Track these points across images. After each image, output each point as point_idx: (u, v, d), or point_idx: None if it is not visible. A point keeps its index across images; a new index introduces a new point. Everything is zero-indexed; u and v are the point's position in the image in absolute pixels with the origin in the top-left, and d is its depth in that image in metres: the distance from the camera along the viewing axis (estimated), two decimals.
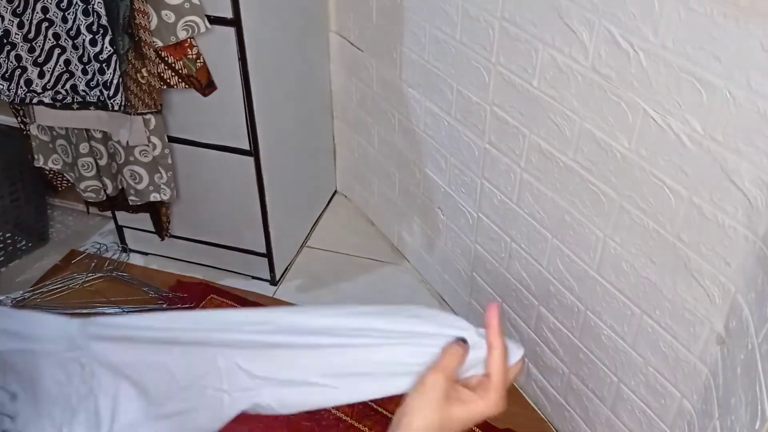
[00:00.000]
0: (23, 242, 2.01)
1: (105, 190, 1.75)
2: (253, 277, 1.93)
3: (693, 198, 0.96)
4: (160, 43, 1.44)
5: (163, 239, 1.84)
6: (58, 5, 1.39)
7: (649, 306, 1.12)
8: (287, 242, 1.96)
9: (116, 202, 1.79)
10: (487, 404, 0.67)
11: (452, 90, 1.46)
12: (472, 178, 1.51)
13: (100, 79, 1.43)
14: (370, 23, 1.70)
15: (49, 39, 1.43)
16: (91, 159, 1.69)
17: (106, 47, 1.39)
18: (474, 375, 0.68)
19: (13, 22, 1.41)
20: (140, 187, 1.67)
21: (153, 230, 1.85)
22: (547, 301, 1.39)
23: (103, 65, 1.41)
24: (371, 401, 1.57)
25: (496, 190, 1.43)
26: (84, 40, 1.39)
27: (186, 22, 1.41)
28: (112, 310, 1.80)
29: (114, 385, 0.75)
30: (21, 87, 1.49)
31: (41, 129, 1.68)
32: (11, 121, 1.81)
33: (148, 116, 1.55)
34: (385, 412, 1.54)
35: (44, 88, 1.49)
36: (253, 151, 1.63)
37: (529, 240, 1.38)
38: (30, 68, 1.47)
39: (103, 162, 1.68)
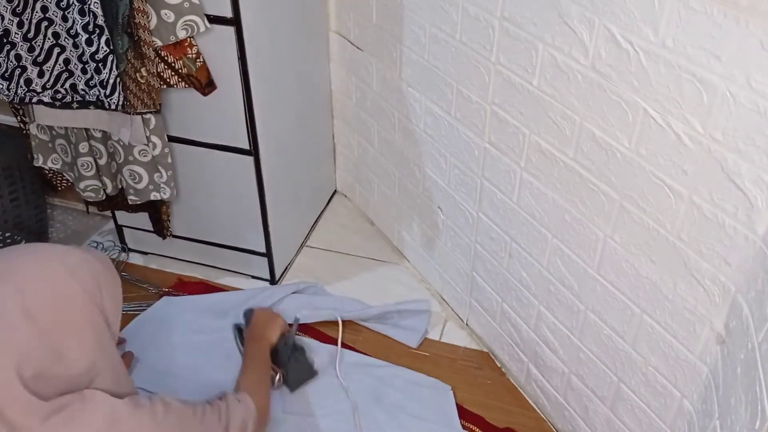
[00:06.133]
0: (23, 242, 2.00)
1: (104, 190, 1.75)
2: (253, 277, 1.93)
3: (693, 197, 0.96)
4: (159, 43, 1.44)
5: (164, 238, 1.84)
6: (57, 4, 1.39)
7: (649, 305, 1.12)
8: (287, 242, 1.96)
9: (116, 201, 1.79)
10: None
11: (452, 89, 1.46)
12: (472, 178, 1.50)
13: (98, 78, 1.43)
14: (370, 23, 1.70)
15: (49, 38, 1.43)
16: (90, 158, 1.69)
17: (102, 47, 1.38)
18: None
19: (12, 21, 1.41)
20: (140, 186, 1.67)
21: (152, 230, 1.85)
22: (547, 301, 1.39)
23: (100, 65, 1.41)
24: None
25: (496, 190, 1.43)
26: (81, 40, 1.39)
27: (185, 21, 1.41)
28: None
29: None
30: (20, 86, 1.49)
31: (41, 128, 1.68)
32: (11, 120, 1.82)
33: (147, 116, 1.55)
34: None
35: (44, 88, 1.49)
36: (253, 151, 1.63)
37: (529, 240, 1.38)
38: (29, 67, 1.47)
39: (102, 161, 1.68)
